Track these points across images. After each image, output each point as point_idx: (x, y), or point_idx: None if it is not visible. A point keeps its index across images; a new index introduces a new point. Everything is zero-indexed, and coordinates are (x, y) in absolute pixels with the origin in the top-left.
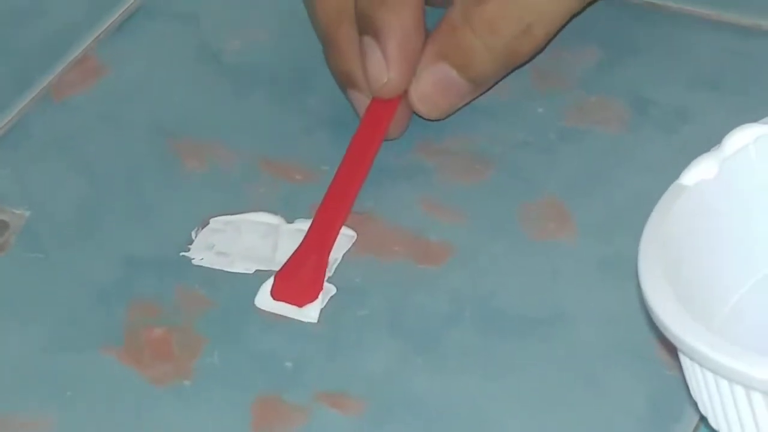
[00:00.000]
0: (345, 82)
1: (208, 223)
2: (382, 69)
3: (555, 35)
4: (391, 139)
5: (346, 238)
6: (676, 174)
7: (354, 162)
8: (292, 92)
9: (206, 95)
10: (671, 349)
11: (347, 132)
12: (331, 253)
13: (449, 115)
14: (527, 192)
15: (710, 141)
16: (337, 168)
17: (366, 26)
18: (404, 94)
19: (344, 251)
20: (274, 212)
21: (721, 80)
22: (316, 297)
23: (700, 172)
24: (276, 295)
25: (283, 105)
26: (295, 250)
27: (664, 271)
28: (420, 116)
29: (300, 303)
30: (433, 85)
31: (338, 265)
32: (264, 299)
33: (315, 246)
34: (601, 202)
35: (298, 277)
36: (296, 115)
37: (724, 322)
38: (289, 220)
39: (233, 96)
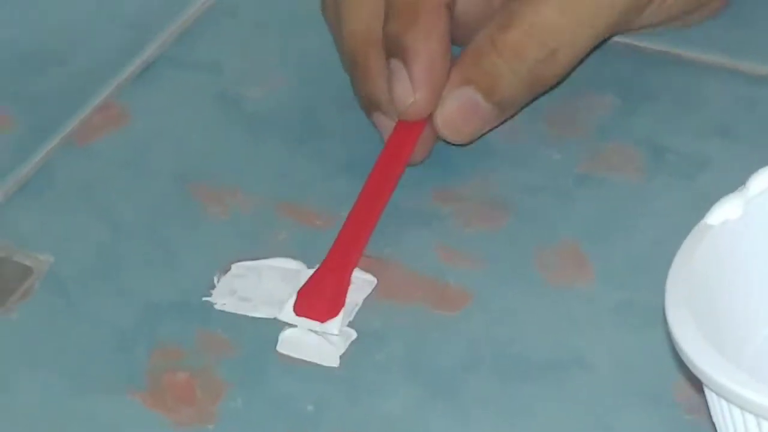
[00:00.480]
0: (370, 105)
1: (229, 269)
2: (409, 90)
3: (580, 62)
4: (415, 164)
5: (366, 283)
6: (692, 221)
7: (380, 181)
8: (311, 138)
9: (227, 141)
10: (698, 387)
11: (366, 178)
12: (353, 298)
13: (473, 141)
14: (544, 238)
15: (725, 188)
16: (363, 186)
17: (394, 49)
18: (429, 118)
19: (365, 296)
20: (295, 257)
21: (736, 128)
22: (338, 313)
23: (725, 212)
24: (299, 310)
25: (303, 151)
26: (319, 267)
27: (690, 308)
28: (444, 141)
29: (322, 319)
30: (458, 109)
31: (358, 309)
32: (287, 314)
33: (339, 262)
34: (619, 248)
35: (319, 295)
36: (315, 161)
37: (752, 360)
38: (310, 265)
39: (253, 142)
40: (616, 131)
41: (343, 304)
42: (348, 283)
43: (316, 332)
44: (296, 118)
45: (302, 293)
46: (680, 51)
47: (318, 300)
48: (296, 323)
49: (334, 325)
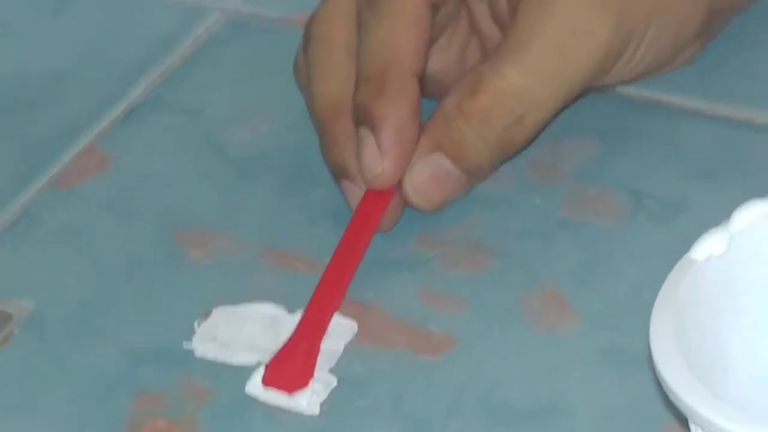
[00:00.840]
0: (338, 173)
1: (210, 313)
2: (377, 160)
3: (547, 124)
4: (384, 232)
5: (347, 328)
6: (673, 264)
7: (346, 252)
8: (295, 183)
9: (211, 186)
10: (683, 423)
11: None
12: (333, 344)
13: (442, 207)
14: (527, 282)
15: (705, 231)
16: (330, 258)
17: (362, 117)
18: (398, 185)
19: (346, 342)
20: (277, 303)
21: (715, 172)
22: (307, 384)
23: (709, 247)
24: (267, 382)
25: (287, 196)
26: (287, 339)
27: (674, 342)
28: (413, 208)
29: (290, 390)
30: (427, 176)
31: (340, 356)
32: (255, 387)
33: (306, 334)
34: (601, 291)
35: (288, 365)
36: (299, 206)
37: (737, 393)
38: (292, 311)
39: (237, 187)
40: (597, 176)
41: (312, 375)
42: (317, 352)
43: (284, 407)
44: (281, 163)
45: (271, 364)
46: (659, 96)
47: (287, 371)
48: (264, 397)
49: (303, 397)
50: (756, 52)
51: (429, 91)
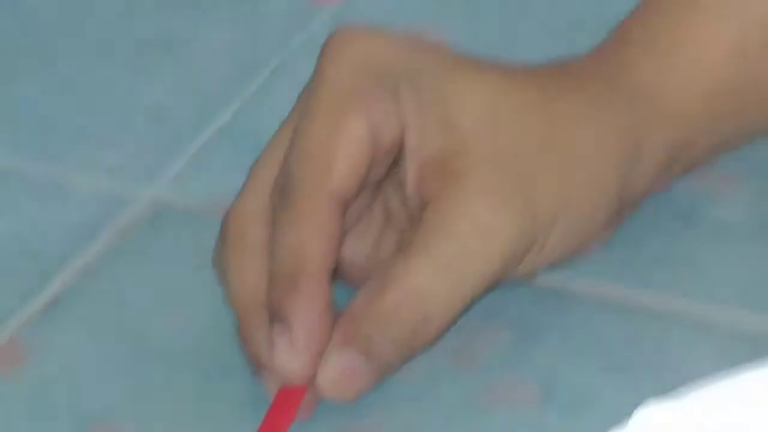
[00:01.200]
0: (256, 366)
1: None
2: (288, 357)
3: (457, 320)
4: (302, 422)
5: None
6: None
7: None
8: (216, 375)
9: (129, 379)
10: None
11: None
12: None
13: (357, 398)
14: None
15: (615, 422)
16: None
17: (275, 315)
18: (312, 379)
19: None
20: None
21: (630, 364)
22: None
23: None
24: None
25: (210, 388)
26: None
27: None
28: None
29: None
30: (339, 372)
31: None
32: None
33: None
34: None
35: None
36: (220, 398)
37: None
38: None
39: (157, 379)
40: (509, 366)
41: None
42: None
43: None
44: (204, 354)
45: None
46: (574, 286)
47: None
48: None
49: None
50: (670, 234)
51: (345, 277)
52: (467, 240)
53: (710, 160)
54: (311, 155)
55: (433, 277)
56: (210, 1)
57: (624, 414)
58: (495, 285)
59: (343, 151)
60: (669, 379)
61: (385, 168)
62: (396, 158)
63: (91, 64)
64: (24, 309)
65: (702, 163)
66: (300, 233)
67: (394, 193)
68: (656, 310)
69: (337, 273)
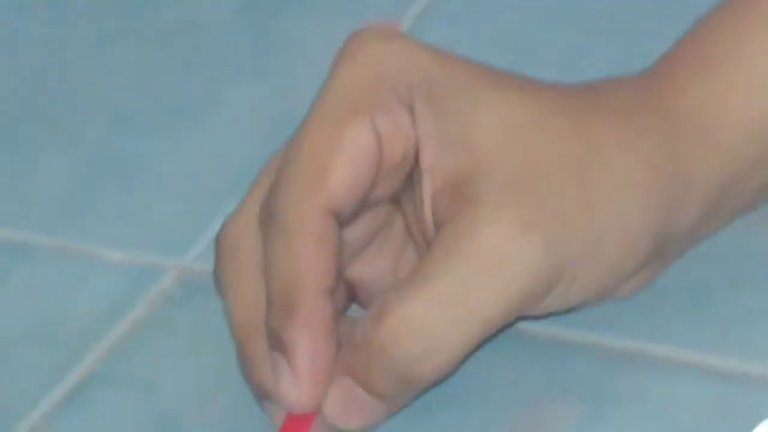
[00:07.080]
0: (260, 394)
1: None
2: (292, 386)
3: (462, 361)
4: None
5: None
6: None
7: None
8: None
9: None
10: None
11: None
12: None
13: (368, 429)
14: None
15: None
16: None
17: (275, 342)
18: (319, 407)
19: None
20: None
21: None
22: None
23: None
24: None
25: None
26: None
27: None
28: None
29: None
30: (342, 401)
31: None
32: None
33: None
34: None
35: None
36: None
37: None
38: None
39: None
40: None
41: None
42: None
43: None
44: None
45: None
46: (643, 347)
47: None
48: None
49: None
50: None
51: (362, 300)
52: (474, 271)
53: (758, 204)
54: (303, 163)
55: (434, 308)
56: (235, 67)
57: None
58: (513, 317)
59: (341, 160)
60: None
61: (399, 182)
62: (412, 173)
63: (112, 134)
64: (46, 396)
65: (750, 208)
66: (290, 250)
67: (413, 209)
68: (732, 373)
69: (355, 294)
